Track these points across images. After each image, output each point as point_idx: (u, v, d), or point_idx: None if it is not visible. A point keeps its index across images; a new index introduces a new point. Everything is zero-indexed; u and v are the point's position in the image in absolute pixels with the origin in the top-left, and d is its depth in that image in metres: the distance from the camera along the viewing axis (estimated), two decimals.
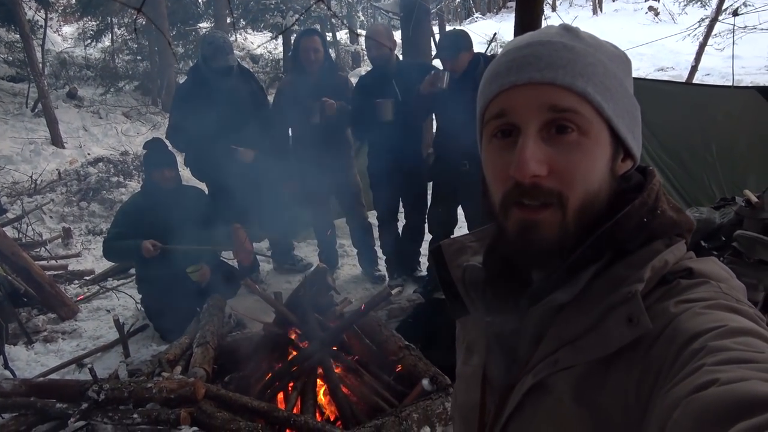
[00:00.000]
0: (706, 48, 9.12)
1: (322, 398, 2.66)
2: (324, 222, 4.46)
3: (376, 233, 4.42)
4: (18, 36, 9.27)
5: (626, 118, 0.66)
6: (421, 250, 4.31)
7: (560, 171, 0.62)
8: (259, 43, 12.74)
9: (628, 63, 0.70)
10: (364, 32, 4.20)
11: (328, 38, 13.68)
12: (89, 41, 12.76)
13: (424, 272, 4.24)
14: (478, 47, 3.84)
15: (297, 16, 4.85)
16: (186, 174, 5.31)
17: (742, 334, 0.52)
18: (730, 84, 4.66)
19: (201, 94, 3.82)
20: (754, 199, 2.84)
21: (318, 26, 12.46)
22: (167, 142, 3.90)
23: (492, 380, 0.74)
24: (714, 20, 8.63)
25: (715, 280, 0.61)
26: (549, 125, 0.63)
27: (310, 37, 3.85)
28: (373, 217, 4.45)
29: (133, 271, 4.42)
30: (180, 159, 4.32)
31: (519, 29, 2.86)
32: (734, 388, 0.44)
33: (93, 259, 5.32)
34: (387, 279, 4.35)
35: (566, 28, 0.68)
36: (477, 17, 24.88)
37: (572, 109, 0.62)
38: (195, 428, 2.27)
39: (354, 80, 4.20)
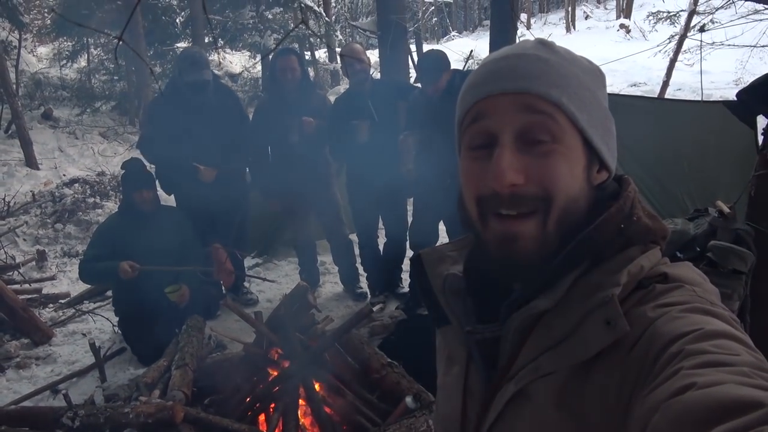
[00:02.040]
0: (677, 64, 9.39)
1: (304, 419, 2.62)
2: (305, 240, 4.44)
3: (356, 250, 4.41)
4: None
5: (600, 130, 0.68)
6: (402, 266, 4.31)
7: (538, 177, 0.63)
8: (237, 62, 12.75)
9: (602, 77, 0.71)
10: (340, 50, 4.23)
11: (307, 56, 13.77)
12: (65, 62, 12.65)
13: (406, 288, 4.23)
14: (456, 65, 3.89)
15: (276, 36, 4.87)
16: (164, 195, 5.27)
17: (718, 336, 0.53)
18: (699, 98, 4.78)
19: (173, 107, 3.79)
20: (726, 209, 2.89)
21: (296, 45, 12.54)
22: (145, 161, 3.87)
23: (473, 390, 0.74)
24: (683, 37, 8.89)
25: (689, 284, 0.62)
26: (524, 135, 0.64)
27: (287, 57, 3.86)
28: (353, 234, 4.44)
29: (110, 293, 4.34)
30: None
31: (494, 47, 2.90)
32: (711, 392, 0.45)
33: (68, 281, 5.21)
34: (369, 296, 4.34)
35: (542, 42, 0.69)
36: (454, 35, 25.31)
37: (548, 112, 0.63)
38: None
39: (333, 98, 4.22)
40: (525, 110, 0.63)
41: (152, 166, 4.07)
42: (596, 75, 0.70)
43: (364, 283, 4.44)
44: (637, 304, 0.61)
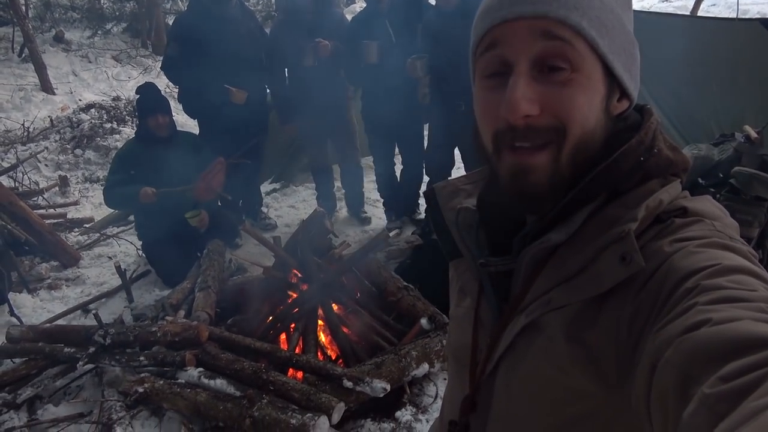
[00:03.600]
0: None
1: (323, 338, 2.73)
2: (321, 165, 4.44)
3: (368, 176, 4.42)
4: None
5: (623, 56, 0.64)
6: (419, 192, 4.32)
7: (553, 108, 0.60)
8: None
9: None
10: None
11: None
12: None
13: (423, 214, 4.25)
14: None
15: None
16: (180, 119, 5.24)
17: (735, 272, 0.52)
18: (734, 15, 4.51)
19: (200, 25, 3.71)
20: (753, 134, 2.81)
21: None
22: (159, 85, 3.82)
23: (484, 321, 0.75)
24: None
25: (709, 218, 0.61)
26: (541, 62, 0.61)
27: None
28: (368, 160, 4.42)
29: (132, 218, 4.43)
30: (174, 101, 4.25)
31: None
32: (726, 328, 0.44)
33: (91, 206, 5.32)
34: (371, 221, 4.43)
35: None
36: None
37: (566, 38, 0.60)
38: (200, 369, 2.34)
39: (350, 17, 4.07)
40: (542, 36, 0.60)
41: (176, 87, 4.01)
42: None
43: (368, 208, 4.54)
44: (655, 238, 0.60)
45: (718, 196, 2.45)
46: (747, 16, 6.32)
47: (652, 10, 9.35)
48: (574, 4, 0.60)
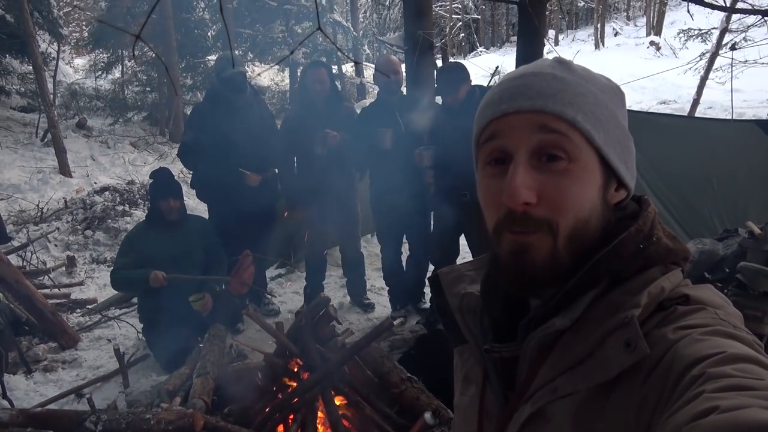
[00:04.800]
0: (708, 82, 9.24)
1: (322, 431, 2.62)
2: (317, 253, 4.46)
3: (374, 264, 4.44)
4: (30, 68, 9.47)
5: (618, 148, 0.67)
6: (425, 280, 4.30)
7: (550, 198, 0.63)
8: (265, 74, 12.97)
9: (621, 95, 0.71)
10: (370, 64, 4.28)
11: (334, 70, 13.93)
12: (100, 73, 13.03)
13: (428, 303, 4.21)
14: (482, 80, 3.90)
15: (297, 47, 4.96)
16: (191, 203, 5.35)
17: (741, 360, 0.52)
18: (730, 117, 4.70)
19: (215, 112, 3.93)
20: (757, 230, 2.83)
21: (324, 59, 12.70)
22: (173, 170, 3.95)
23: (489, 410, 0.74)
24: (714, 54, 8.76)
25: (711, 306, 0.61)
26: (539, 152, 0.64)
27: (317, 69, 3.93)
28: (375, 248, 4.45)
29: (135, 300, 4.41)
30: (186, 186, 4.36)
31: (520, 63, 2.90)
32: (734, 415, 0.44)
33: (96, 287, 5.31)
34: (374, 307, 4.40)
35: (559, 61, 0.70)
36: (481, 51, 25.35)
37: (562, 131, 0.63)
38: None
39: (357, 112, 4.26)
40: (540, 129, 0.64)
41: (189, 173, 4.16)
42: (615, 93, 0.70)
43: (371, 295, 4.52)
44: (658, 325, 0.60)
45: (726, 291, 2.44)
46: (743, 118, 6.57)
47: (650, 111, 9.73)
48: (570, 100, 0.64)
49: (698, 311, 0.60)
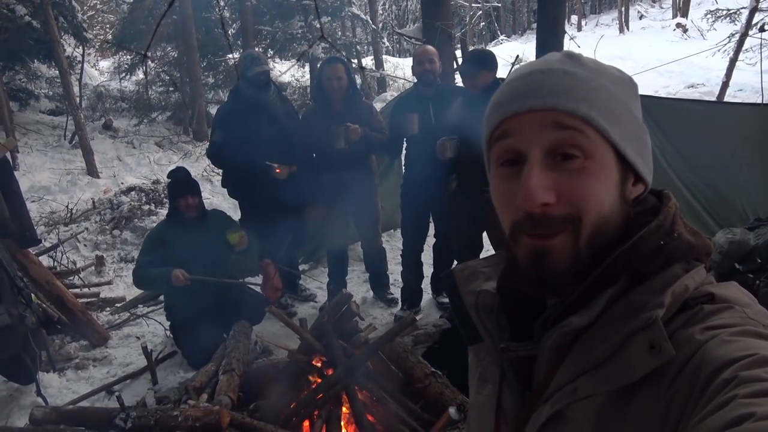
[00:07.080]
0: (738, 63, 8.95)
1: (347, 427, 2.63)
2: (339, 249, 4.45)
3: (398, 259, 4.42)
4: (57, 72, 9.67)
5: (633, 142, 0.65)
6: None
7: (569, 196, 0.61)
8: (285, 69, 13.01)
9: (634, 87, 0.68)
10: (390, 57, 4.26)
11: (354, 64, 13.90)
12: (124, 74, 13.23)
13: None
14: (503, 68, 3.85)
15: (324, 46, 4.97)
16: (215, 200, 5.40)
17: None
18: (760, 100, 4.54)
19: (241, 109, 3.99)
20: None
21: (344, 53, 12.69)
22: (197, 169, 4.00)
23: (506, 410, 0.72)
24: (744, 35, 8.48)
25: (738, 305, 0.59)
26: (554, 151, 0.62)
27: (334, 65, 3.90)
28: (395, 239, 4.44)
29: (162, 298, 4.48)
30: (210, 184, 4.41)
31: (541, 51, 2.84)
32: None
33: (124, 286, 5.42)
34: (399, 302, 4.35)
35: (568, 55, 0.67)
36: (502, 39, 25.02)
37: (577, 128, 0.61)
38: None
39: (379, 105, 4.24)
40: (553, 127, 0.62)
41: (213, 171, 4.23)
42: (628, 85, 0.67)
43: (393, 289, 4.52)
44: (683, 326, 0.58)
45: (758, 282, 2.36)
46: None
47: (678, 96, 9.48)
48: (583, 96, 0.62)
49: (725, 310, 0.58)
